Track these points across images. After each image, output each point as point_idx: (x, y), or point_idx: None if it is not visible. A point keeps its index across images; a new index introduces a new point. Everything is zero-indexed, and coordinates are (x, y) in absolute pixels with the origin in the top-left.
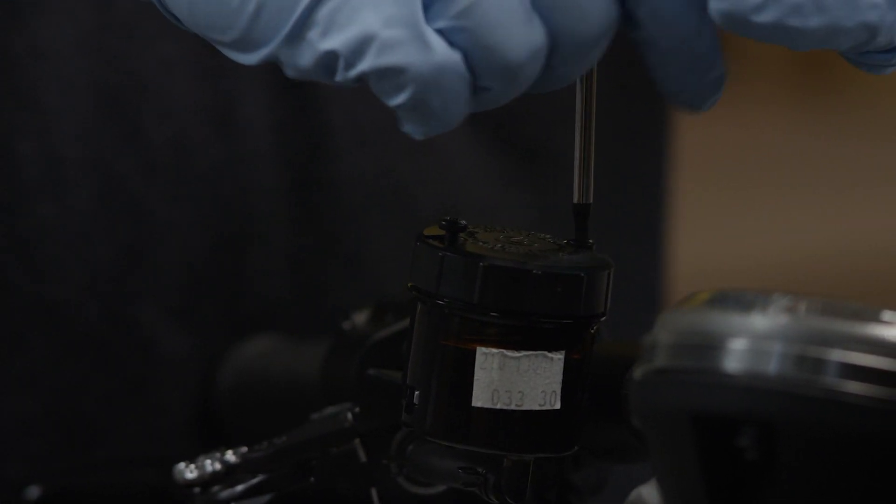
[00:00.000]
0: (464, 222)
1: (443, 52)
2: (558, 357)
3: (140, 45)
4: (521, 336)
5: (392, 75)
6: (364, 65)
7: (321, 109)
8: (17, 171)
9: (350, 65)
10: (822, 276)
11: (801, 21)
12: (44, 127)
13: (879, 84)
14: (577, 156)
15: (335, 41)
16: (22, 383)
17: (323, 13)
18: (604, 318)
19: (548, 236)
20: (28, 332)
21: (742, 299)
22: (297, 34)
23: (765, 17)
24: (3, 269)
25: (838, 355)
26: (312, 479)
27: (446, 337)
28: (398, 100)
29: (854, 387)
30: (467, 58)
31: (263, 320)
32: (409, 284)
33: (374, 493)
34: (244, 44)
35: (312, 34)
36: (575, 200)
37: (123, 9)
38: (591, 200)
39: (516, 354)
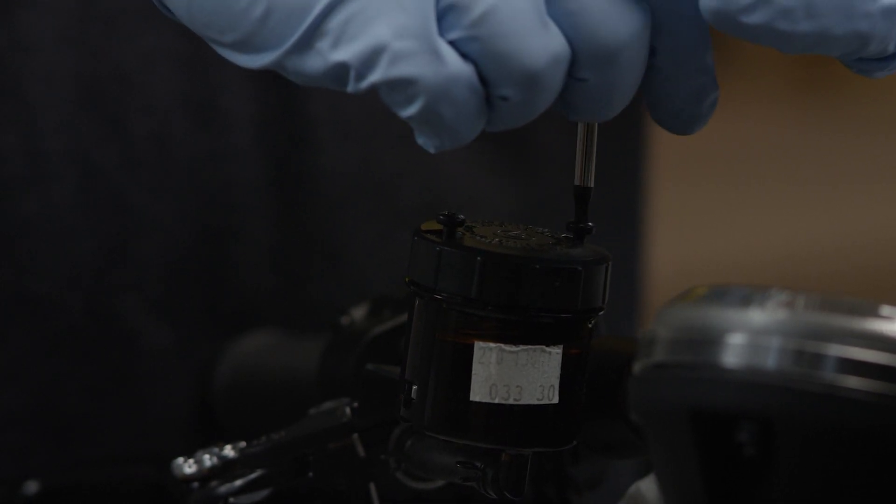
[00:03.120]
0: (461, 217)
1: (454, 63)
2: (556, 351)
3: (122, 38)
4: (519, 330)
5: (403, 87)
6: (375, 76)
7: (303, 103)
8: (0, 164)
9: (361, 76)
10: (817, 271)
11: (790, 25)
12: (26, 120)
13: (873, 80)
14: (580, 138)
15: (346, 52)
16: (4, 378)
17: (334, 23)
18: (602, 313)
19: (545, 230)
20: (10, 326)
21: (740, 294)
22: (306, 43)
23: (754, 19)
24: None
25: (836, 350)
26: (310, 474)
27: (444, 331)
28: (409, 111)
29: (852, 381)
30: (481, 68)
31: (246, 313)
32: (407, 279)
33: (372, 488)
34: (246, 46)
35: (323, 44)
36: (576, 183)
37: (106, 2)
38: (592, 185)
39: (514, 349)
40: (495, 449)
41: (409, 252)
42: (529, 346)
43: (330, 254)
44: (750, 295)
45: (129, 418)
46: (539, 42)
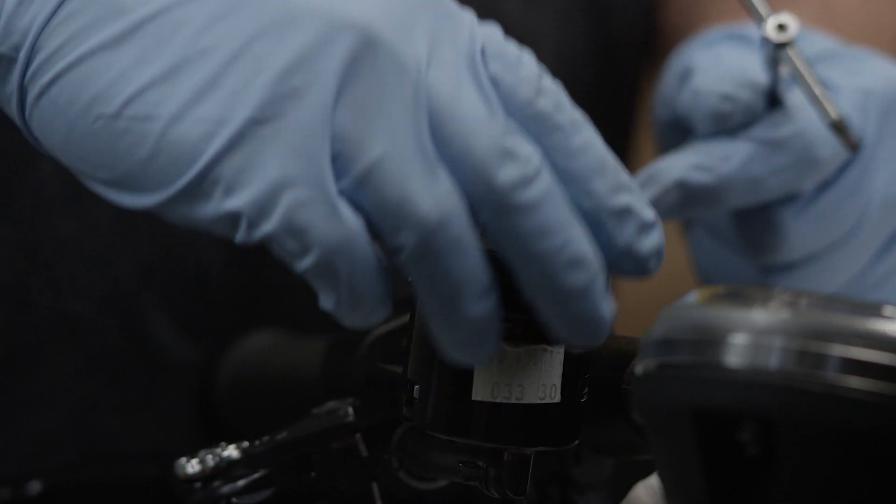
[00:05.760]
0: None
1: (350, 215)
2: (558, 350)
3: None
4: (521, 329)
5: (297, 237)
6: (268, 226)
7: None
8: (40, 186)
9: (253, 225)
10: None
11: None
12: None
13: None
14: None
15: (239, 200)
16: (42, 399)
17: (227, 169)
18: None
19: None
20: (48, 347)
21: (743, 294)
22: (196, 188)
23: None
24: (25, 285)
25: (839, 350)
26: (313, 473)
27: None
28: (303, 264)
29: (855, 382)
30: (372, 219)
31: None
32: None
33: (374, 487)
34: (124, 186)
35: (215, 190)
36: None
37: None
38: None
39: (516, 348)
40: (497, 448)
41: None
42: (531, 346)
43: None
44: (752, 295)
45: (155, 431)
46: (428, 188)
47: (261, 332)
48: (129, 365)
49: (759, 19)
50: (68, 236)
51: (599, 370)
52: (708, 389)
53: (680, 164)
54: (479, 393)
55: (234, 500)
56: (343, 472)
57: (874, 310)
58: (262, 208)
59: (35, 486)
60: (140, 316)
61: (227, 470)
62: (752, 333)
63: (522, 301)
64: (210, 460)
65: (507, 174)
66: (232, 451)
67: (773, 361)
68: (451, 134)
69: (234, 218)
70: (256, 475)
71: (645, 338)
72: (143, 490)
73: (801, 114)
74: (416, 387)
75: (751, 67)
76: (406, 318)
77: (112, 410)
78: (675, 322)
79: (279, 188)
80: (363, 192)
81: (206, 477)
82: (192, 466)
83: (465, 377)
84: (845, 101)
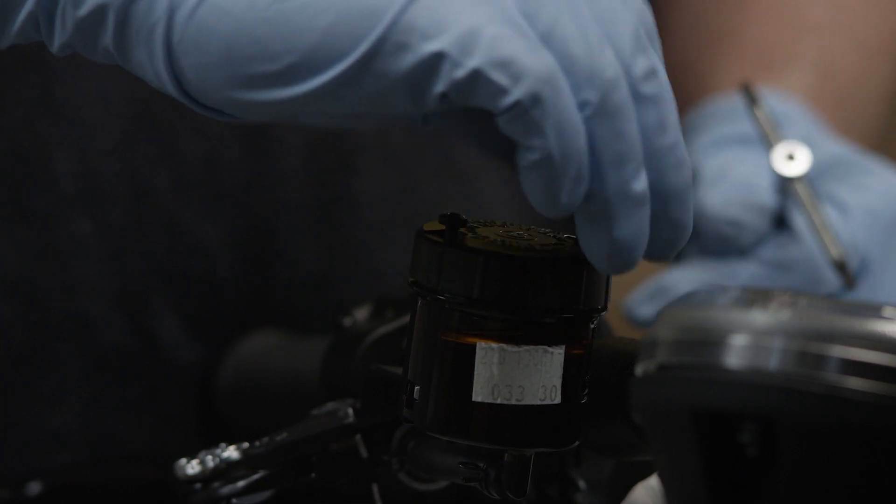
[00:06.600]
0: (464, 217)
1: (547, 53)
2: (558, 351)
3: None
4: (521, 330)
5: (506, 68)
6: (474, 61)
7: (350, 130)
8: (54, 184)
9: (457, 64)
10: None
11: None
12: (80, 141)
13: None
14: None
15: (440, 42)
16: (55, 397)
17: (418, 17)
18: (604, 313)
19: (548, 230)
20: (60, 346)
21: (742, 296)
22: (389, 41)
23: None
24: (37, 284)
25: (839, 351)
26: (313, 475)
27: (446, 331)
28: (512, 97)
29: (855, 383)
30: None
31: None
32: (410, 280)
33: (375, 489)
34: (300, 70)
35: (410, 39)
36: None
37: None
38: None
39: (516, 349)
40: (497, 449)
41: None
42: (532, 347)
43: (370, 277)
44: (752, 296)
45: (158, 430)
46: (601, 49)
47: (261, 333)
48: (136, 364)
49: (768, 145)
50: (82, 235)
51: (599, 371)
52: (708, 390)
53: (688, 280)
54: (480, 394)
55: (233, 501)
56: (343, 473)
57: (874, 311)
58: (465, 44)
59: (35, 487)
60: (148, 316)
61: (226, 471)
62: (752, 334)
63: (522, 302)
64: (210, 461)
65: (641, 64)
66: (232, 452)
67: (773, 362)
68: (598, 12)
69: (435, 61)
70: (256, 476)
71: (645, 338)
72: (142, 491)
73: (809, 235)
74: (416, 388)
75: (758, 186)
76: (406, 318)
77: (117, 409)
78: (675, 323)
79: (480, 24)
80: (550, 46)
81: (205, 478)
82: (192, 467)
83: (465, 378)
84: (853, 222)
